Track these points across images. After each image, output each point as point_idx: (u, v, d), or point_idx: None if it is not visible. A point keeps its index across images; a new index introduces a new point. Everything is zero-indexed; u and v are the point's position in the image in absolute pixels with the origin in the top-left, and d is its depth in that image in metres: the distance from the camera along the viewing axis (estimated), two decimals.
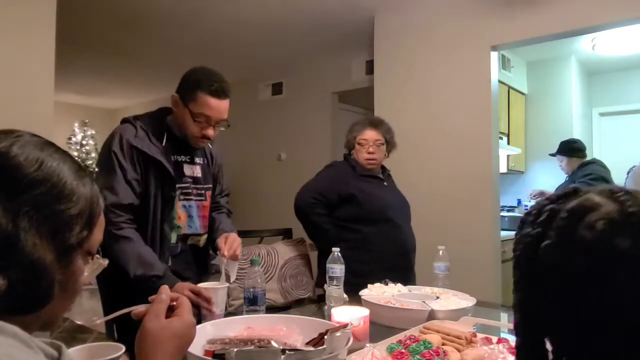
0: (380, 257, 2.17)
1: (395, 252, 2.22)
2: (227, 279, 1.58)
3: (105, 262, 0.70)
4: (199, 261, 1.78)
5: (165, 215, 1.61)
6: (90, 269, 0.67)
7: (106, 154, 1.57)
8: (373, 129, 2.30)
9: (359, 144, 2.29)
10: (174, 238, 1.65)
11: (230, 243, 1.61)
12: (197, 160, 1.73)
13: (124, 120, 1.64)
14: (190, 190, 1.68)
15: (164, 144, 1.62)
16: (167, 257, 1.63)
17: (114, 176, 1.52)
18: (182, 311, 0.81)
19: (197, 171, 1.72)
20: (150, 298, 0.83)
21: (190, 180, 1.68)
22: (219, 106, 1.57)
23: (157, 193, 1.59)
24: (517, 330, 0.68)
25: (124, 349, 0.94)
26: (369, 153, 2.27)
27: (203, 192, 1.74)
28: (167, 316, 0.80)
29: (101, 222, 0.68)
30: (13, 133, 0.61)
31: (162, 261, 1.58)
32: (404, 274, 2.13)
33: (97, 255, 0.68)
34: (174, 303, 0.83)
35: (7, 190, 0.57)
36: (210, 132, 1.60)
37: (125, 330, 1.38)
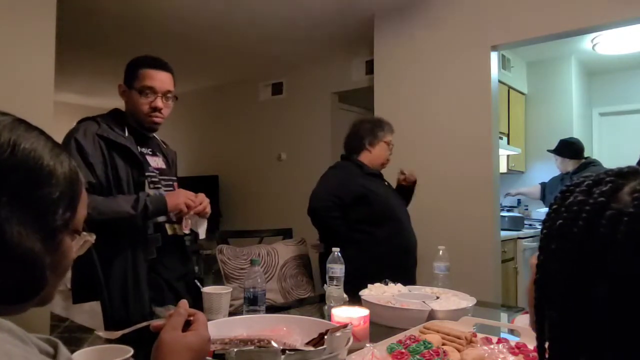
0: (388, 257, 2.17)
1: (402, 251, 2.23)
2: (196, 234, 1.64)
3: (92, 238, 0.68)
4: (183, 251, 1.78)
5: None
6: (77, 246, 0.65)
7: (66, 142, 1.57)
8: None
9: (386, 143, 2.38)
10: (151, 228, 1.63)
11: (198, 199, 1.62)
12: (158, 154, 1.77)
13: (83, 119, 1.69)
14: (157, 180, 1.70)
15: (126, 135, 1.67)
16: (150, 246, 1.63)
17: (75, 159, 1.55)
18: (197, 326, 0.83)
19: (161, 163, 1.76)
20: (168, 313, 0.85)
21: (156, 171, 1.71)
22: (161, 76, 1.64)
23: (128, 179, 1.61)
24: (552, 336, 0.55)
25: (132, 351, 0.94)
26: (390, 154, 2.41)
27: (171, 182, 1.77)
28: (184, 331, 0.82)
29: (84, 197, 0.65)
30: None
31: (147, 253, 1.60)
32: (408, 272, 2.16)
33: (84, 232, 0.66)
34: (191, 318, 0.85)
35: None
36: (158, 103, 1.63)
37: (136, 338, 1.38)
